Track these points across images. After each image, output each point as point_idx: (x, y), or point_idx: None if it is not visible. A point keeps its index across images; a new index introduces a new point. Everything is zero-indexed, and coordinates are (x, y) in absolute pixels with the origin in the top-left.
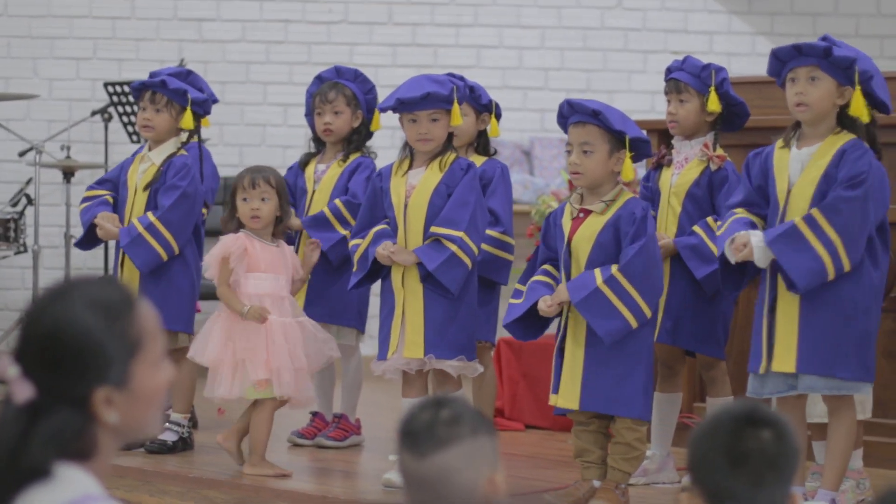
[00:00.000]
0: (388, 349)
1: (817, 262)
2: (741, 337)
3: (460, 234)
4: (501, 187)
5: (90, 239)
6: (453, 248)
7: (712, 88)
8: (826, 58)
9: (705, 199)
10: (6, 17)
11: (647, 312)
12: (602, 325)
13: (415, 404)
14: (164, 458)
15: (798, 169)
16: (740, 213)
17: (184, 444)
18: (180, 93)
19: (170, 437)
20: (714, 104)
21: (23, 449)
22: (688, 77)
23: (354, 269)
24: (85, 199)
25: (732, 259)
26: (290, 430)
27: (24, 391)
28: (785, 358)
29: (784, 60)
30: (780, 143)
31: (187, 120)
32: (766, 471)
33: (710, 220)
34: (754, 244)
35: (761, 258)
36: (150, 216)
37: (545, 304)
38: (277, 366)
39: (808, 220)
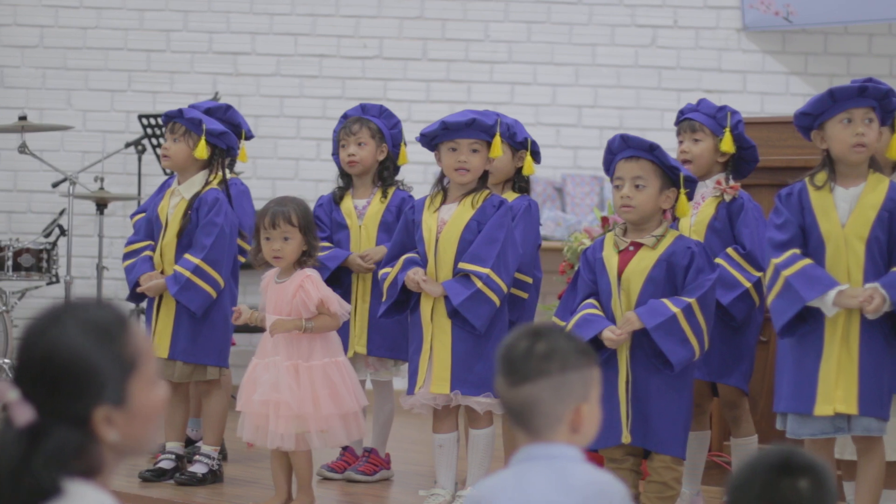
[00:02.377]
0: (416, 384)
1: None
2: (770, 376)
3: (486, 270)
4: (522, 224)
5: (139, 295)
6: (479, 284)
7: (727, 129)
8: (882, 100)
9: (726, 230)
10: (42, 48)
11: (707, 345)
12: (676, 351)
13: (517, 331)
14: (194, 490)
15: (846, 209)
16: (801, 253)
17: (213, 477)
18: (195, 122)
19: (200, 469)
20: (728, 145)
21: (25, 470)
22: (703, 118)
23: (384, 297)
24: (127, 256)
25: (880, 311)
26: (320, 464)
27: (24, 414)
28: (847, 399)
29: (839, 100)
30: (812, 182)
31: (201, 149)
32: None
33: (730, 250)
34: (887, 296)
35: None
36: (193, 259)
37: (614, 334)
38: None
39: None
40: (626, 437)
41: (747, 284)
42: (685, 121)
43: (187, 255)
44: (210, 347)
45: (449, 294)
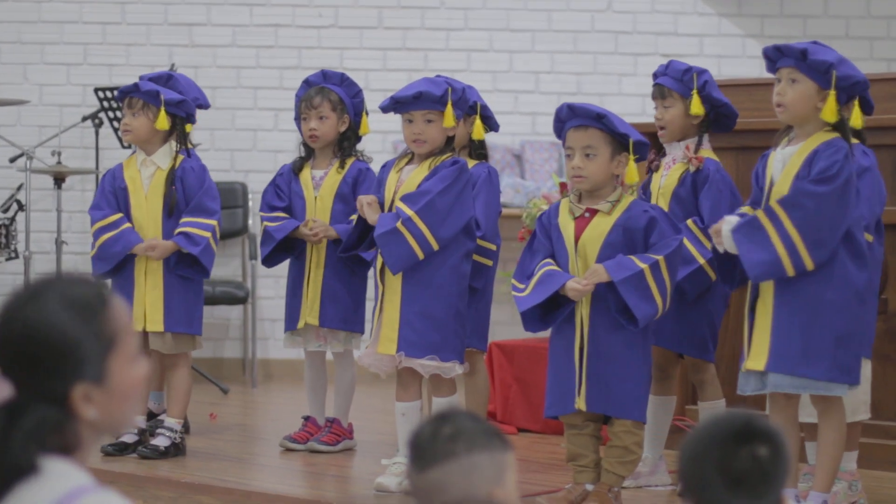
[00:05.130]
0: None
1: (772, 255)
2: (733, 339)
3: (410, 212)
4: (484, 192)
5: (116, 267)
6: (398, 223)
7: (694, 92)
8: (804, 60)
9: (689, 199)
10: None
11: (668, 304)
12: (640, 307)
13: (427, 418)
14: (157, 464)
15: (779, 168)
16: (745, 209)
17: (176, 450)
18: (153, 94)
19: (163, 442)
20: (696, 107)
21: (3, 447)
22: (671, 82)
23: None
24: (103, 230)
25: (720, 248)
26: (282, 435)
27: (1, 391)
28: (758, 356)
29: (773, 60)
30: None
31: (161, 120)
32: (763, 484)
33: (690, 222)
34: (724, 230)
35: (729, 245)
36: (209, 221)
37: (580, 285)
38: None
39: (768, 211)
40: (579, 404)
41: (701, 261)
42: (656, 86)
43: (201, 220)
44: (196, 316)
45: (377, 224)
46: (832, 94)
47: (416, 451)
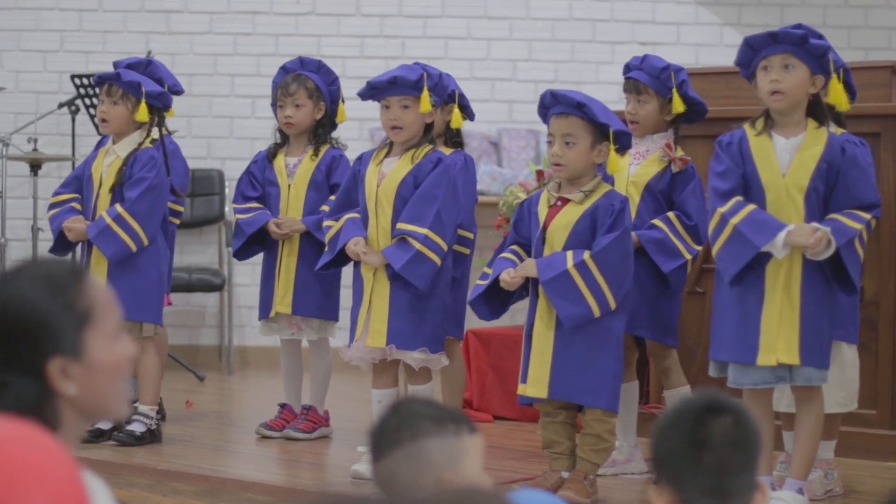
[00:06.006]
0: (355, 337)
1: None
2: (699, 329)
3: (424, 231)
4: (461, 180)
5: (62, 244)
6: (417, 245)
7: (674, 90)
8: (802, 45)
9: (664, 194)
10: None
11: (612, 303)
12: (565, 307)
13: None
14: (132, 451)
15: (787, 160)
16: (744, 200)
17: (152, 436)
18: (135, 85)
19: (138, 428)
20: (678, 106)
21: None
22: (647, 78)
23: (326, 248)
24: (52, 206)
25: (821, 255)
26: (258, 422)
27: None
28: (788, 350)
29: (757, 48)
30: (752, 129)
31: (142, 112)
32: (730, 455)
33: (673, 217)
34: (834, 242)
35: (827, 254)
36: (118, 207)
37: (508, 276)
38: None
39: (868, 225)
40: (535, 391)
41: (688, 257)
42: (630, 80)
43: (115, 205)
44: (145, 304)
45: (389, 260)
46: (834, 77)
47: (371, 442)
